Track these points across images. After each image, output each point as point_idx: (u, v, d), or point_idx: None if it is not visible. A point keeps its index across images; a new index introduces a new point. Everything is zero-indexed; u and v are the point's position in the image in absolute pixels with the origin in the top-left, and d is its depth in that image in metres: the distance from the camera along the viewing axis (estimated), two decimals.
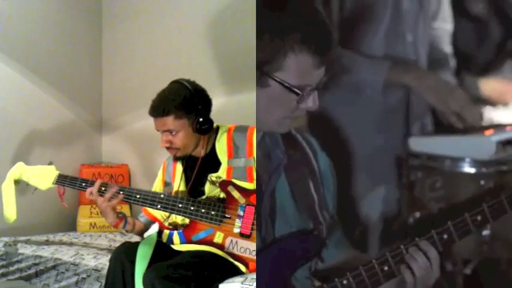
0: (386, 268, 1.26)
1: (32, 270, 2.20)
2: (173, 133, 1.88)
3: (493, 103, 1.93)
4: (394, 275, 1.26)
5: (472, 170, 1.66)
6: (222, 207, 1.83)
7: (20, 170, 2.04)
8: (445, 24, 1.93)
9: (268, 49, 1.15)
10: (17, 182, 2.04)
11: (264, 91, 1.19)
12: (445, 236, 1.25)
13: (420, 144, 1.75)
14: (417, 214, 1.70)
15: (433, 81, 1.73)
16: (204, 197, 1.89)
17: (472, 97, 1.80)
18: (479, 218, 1.25)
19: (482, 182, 1.63)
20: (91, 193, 1.87)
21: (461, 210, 1.25)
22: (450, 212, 1.27)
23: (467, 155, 1.66)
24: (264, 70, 1.17)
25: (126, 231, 1.96)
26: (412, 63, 1.82)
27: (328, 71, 1.20)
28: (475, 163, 1.66)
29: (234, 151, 1.91)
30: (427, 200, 1.70)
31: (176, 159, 2.00)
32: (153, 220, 2.00)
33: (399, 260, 1.26)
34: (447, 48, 1.95)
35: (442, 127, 1.80)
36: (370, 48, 1.79)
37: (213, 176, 1.90)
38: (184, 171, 2.00)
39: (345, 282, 1.26)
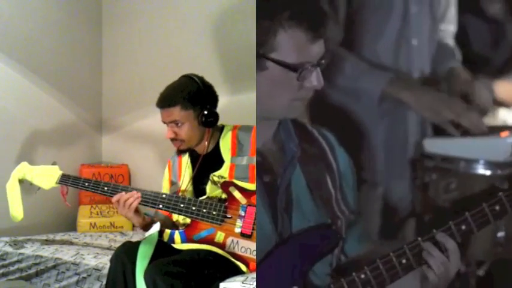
0: (404, 261, 1.25)
1: (33, 270, 2.20)
2: (179, 124, 1.91)
3: (508, 105, 1.92)
4: (413, 267, 1.25)
5: (487, 172, 1.65)
6: (223, 207, 1.83)
7: (24, 170, 2.04)
8: (450, 26, 1.94)
9: (261, 31, 1.15)
10: (21, 182, 2.04)
11: (263, 75, 1.19)
12: (463, 227, 1.24)
13: (435, 145, 1.74)
14: (431, 215, 1.70)
15: (429, 97, 1.73)
16: (205, 196, 1.90)
17: (487, 98, 1.80)
18: (497, 207, 1.24)
19: (497, 184, 1.62)
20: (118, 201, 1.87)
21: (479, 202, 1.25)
22: (467, 205, 1.26)
23: (482, 156, 1.65)
24: (260, 52, 1.17)
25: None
26: (411, 78, 1.82)
27: (328, 47, 1.19)
28: (490, 165, 1.65)
29: (238, 149, 1.93)
30: (442, 201, 1.69)
31: (180, 152, 2.01)
32: (168, 216, 2.01)
33: (417, 253, 1.25)
34: (454, 49, 1.95)
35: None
36: (374, 52, 1.79)
37: (215, 176, 1.91)
38: (189, 167, 2.02)
39: (362, 276, 1.24)
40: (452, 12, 1.93)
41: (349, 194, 1.37)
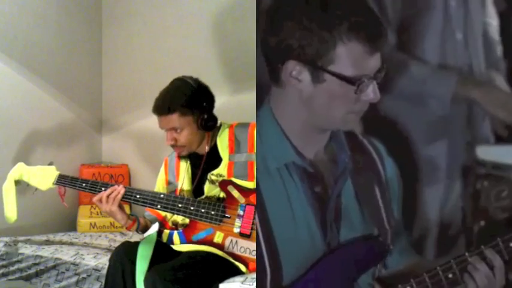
0: (450, 275, 1.25)
1: (32, 270, 2.20)
2: (178, 130, 1.90)
3: None
4: (458, 282, 1.25)
5: None
6: (221, 207, 1.83)
7: (21, 171, 2.04)
8: (493, 21, 1.90)
9: (317, 43, 1.14)
10: (18, 183, 2.04)
11: (321, 87, 1.18)
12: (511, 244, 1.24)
13: (487, 152, 1.72)
14: (482, 223, 1.69)
15: (501, 96, 1.70)
16: (203, 196, 1.90)
17: None
18: None
19: None
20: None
21: None
22: None
23: None
24: (318, 65, 1.16)
25: (138, 231, 1.95)
26: (478, 77, 1.79)
27: (384, 61, 1.18)
28: None
29: (235, 146, 1.92)
30: (493, 209, 1.67)
31: (181, 157, 2.01)
32: (158, 218, 2.00)
33: (463, 268, 1.25)
34: (497, 44, 1.92)
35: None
36: (423, 52, 1.76)
37: (213, 175, 1.91)
38: (188, 167, 2.01)
39: None
40: (490, 7, 1.89)
41: (395, 206, 1.37)
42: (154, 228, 1.87)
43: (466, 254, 1.26)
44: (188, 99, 1.88)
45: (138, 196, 1.88)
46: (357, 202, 1.30)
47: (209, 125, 1.91)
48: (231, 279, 1.68)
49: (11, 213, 2.03)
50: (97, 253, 2.19)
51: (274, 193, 1.23)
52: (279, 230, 1.22)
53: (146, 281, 1.66)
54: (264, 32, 1.21)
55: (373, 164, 1.36)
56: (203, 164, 1.96)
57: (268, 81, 1.26)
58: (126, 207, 1.94)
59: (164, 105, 1.89)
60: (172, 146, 1.94)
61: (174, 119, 1.88)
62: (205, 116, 1.90)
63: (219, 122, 1.99)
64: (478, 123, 1.83)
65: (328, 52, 1.15)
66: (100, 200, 1.87)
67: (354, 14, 1.14)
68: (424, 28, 1.76)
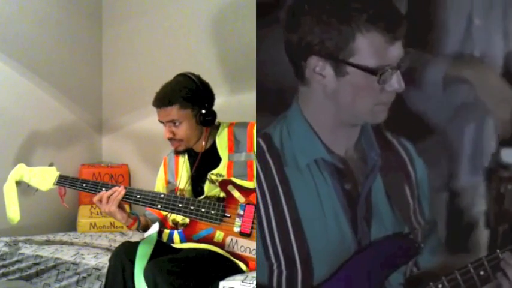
0: (482, 273, 1.25)
1: (33, 270, 2.20)
2: (176, 124, 1.91)
3: None
4: (490, 279, 1.25)
5: None
6: (222, 207, 1.83)
7: (21, 171, 2.04)
8: None
9: (337, 36, 1.15)
10: (19, 183, 2.04)
11: (344, 80, 1.18)
12: None
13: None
14: (506, 225, 1.68)
15: (491, 77, 1.65)
16: (203, 196, 1.90)
17: None
18: None
19: None
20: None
21: None
22: None
23: None
24: (339, 58, 1.16)
25: (139, 230, 1.96)
26: (474, 57, 1.73)
27: (407, 49, 1.18)
28: None
29: (234, 145, 1.93)
30: None
31: (178, 152, 2.01)
32: (159, 217, 2.01)
33: (495, 265, 1.25)
34: None
35: None
36: (445, 47, 1.72)
37: (213, 174, 1.91)
38: (186, 166, 2.02)
39: (440, 286, 1.25)
40: None
41: (425, 205, 1.38)
42: (155, 228, 1.88)
43: (498, 251, 1.26)
44: (189, 93, 1.90)
45: (138, 196, 1.89)
46: (387, 200, 1.31)
47: (208, 119, 1.92)
48: (232, 277, 1.69)
49: (14, 213, 2.03)
50: (97, 253, 2.19)
51: (304, 189, 1.23)
52: (309, 226, 1.22)
53: (146, 272, 1.66)
54: (286, 31, 1.22)
55: (403, 164, 1.36)
56: (199, 160, 1.97)
57: (292, 82, 1.26)
58: (126, 206, 1.94)
59: (164, 98, 1.91)
60: (170, 139, 1.95)
61: (173, 111, 1.90)
62: (204, 111, 1.91)
63: (218, 122, 2.00)
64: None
65: (347, 44, 1.15)
66: (100, 201, 1.87)
67: (372, 5, 1.15)
68: (444, 24, 1.75)
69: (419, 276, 1.34)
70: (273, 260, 1.23)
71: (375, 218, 1.28)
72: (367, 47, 1.15)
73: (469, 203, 1.80)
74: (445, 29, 1.74)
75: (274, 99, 1.63)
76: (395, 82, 1.19)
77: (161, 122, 1.95)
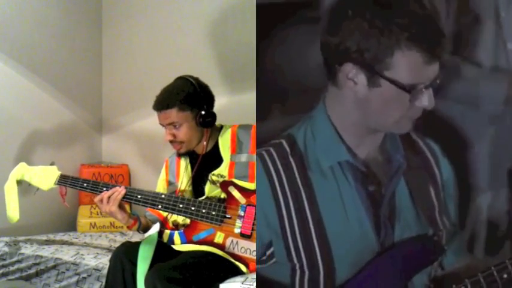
0: (505, 276, 1.25)
1: (33, 270, 2.20)
2: (176, 126, 1.92)
3: None
4: None
5: None
6: (222, 208, 1.83)
7: (22, 171, 2.05)
8: None
9: (376, 48, 1.14)
10: (19, 183, 2.05)
11: (375, 91, 1.18)
12: None
13: None
14: None
15: None
16: (204, 197, 1.90)
17: None
18: None
19: None
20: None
21: None
22: None
23: None
24: (375, 69, 1.16)
25: (139, 231, 1.96)
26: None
27: (443, 69, 1.18)
28: None
29: (237, 146, 1.94)
30: None
31: (180, 155, 2.02)
32: (159, 218, 2.01)
33: None
34: None
35: None
36: (476, 56, 1.74)
37: (214, 175, 1.91)
38: (187, 168, 2.02)
39: None
40: None
41: (450, 206, 1.37)
42: (155, 228, 1.88)
43: None
44: (187, 96, 1.91)
45: (139, 196, 1.89)
46: (411, 202, 1.30)
47: (207, 121, 1.93)
48: (232, 279, 1.69)
49: (13, 212, 2.03)
50: (97, 253, 2.19)
51: (326, 191, 1.23)
52: (331, 227, 1.22)
53: (147, 280, 1.66)
54: (325, 32, 1.21)
55: (428, 165, 1.36)
56: (200, 161, 1.97)
57: (319, 82, 1.26)
58: (127, 207, 1.95)
59: (163, 101, 1.92)
60: (171, 142, 1.96)
61: (173, 114, 1.90)
62: (204, 113, 1.92)
63: (219, 123, 2.00)
64: None
65: (385, 58, 1.15)
66: (101, 201, 1.88)
67: (415, 24, 1.14)
68: (477, 34, 1.74)
69: (442, 278, 1.34)
70: (295, 261, 1.23)
71: (399, 219, 1.27)
72: (405, 64, 1.15)
73: (493, 205, 1.81)
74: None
75: (295, 99, 1.63)
76: (426, 100, 1.18)
77: (162, 125, 1.96)
